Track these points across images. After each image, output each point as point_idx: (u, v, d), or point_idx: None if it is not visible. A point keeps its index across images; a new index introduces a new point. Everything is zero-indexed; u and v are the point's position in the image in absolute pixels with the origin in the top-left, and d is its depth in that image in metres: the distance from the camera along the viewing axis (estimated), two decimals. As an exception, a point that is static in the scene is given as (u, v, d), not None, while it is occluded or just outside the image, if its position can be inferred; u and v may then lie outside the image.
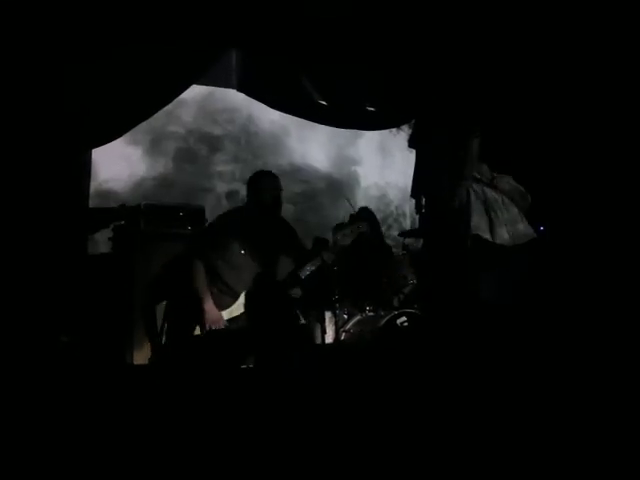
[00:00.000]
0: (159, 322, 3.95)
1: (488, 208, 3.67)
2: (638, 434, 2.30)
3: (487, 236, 3.61)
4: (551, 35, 4.33)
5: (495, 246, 3.62)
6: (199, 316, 3.73)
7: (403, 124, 6.06)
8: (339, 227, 4.29)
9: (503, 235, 3.62)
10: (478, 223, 3.65)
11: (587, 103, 4.35)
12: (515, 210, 3.72)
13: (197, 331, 3.77)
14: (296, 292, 3.93)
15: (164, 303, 3.99)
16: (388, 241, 5.98)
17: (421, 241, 4.99)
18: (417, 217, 5.49)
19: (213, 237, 3.94)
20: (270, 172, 4.14)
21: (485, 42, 4.50)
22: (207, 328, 3.72)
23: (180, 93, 4.64)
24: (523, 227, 3.70)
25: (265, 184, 4.04)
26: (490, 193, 3.71)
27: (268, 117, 6.35)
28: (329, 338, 4.61)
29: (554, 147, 4.42)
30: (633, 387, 2.68)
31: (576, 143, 4.39)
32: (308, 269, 3.90)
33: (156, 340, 3.90)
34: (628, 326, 3.49)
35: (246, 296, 3.82)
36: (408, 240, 5.42)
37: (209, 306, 3.73)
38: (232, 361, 3.67)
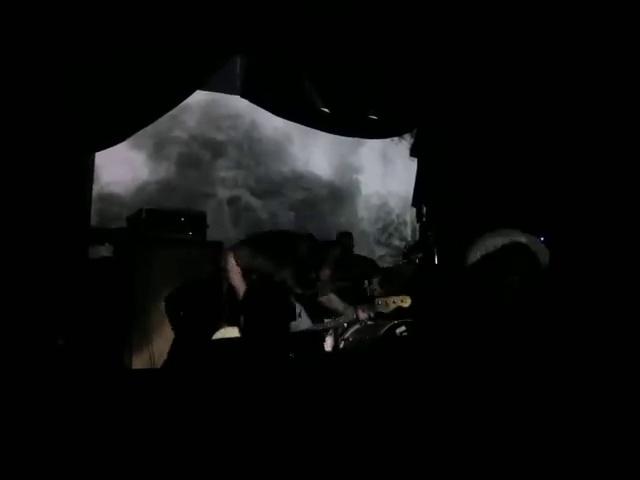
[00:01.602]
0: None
1: None
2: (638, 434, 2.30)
3: None
4: (553, 39, 4.33)
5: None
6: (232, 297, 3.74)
7: (405, 133, 6.08)
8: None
9: None
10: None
11: (588, 106, 4.35)
12: None
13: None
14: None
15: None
16: (389, 250, 5.99)
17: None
18: (418, 226, 5.52)
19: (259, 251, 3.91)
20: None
21: (486, 43, 4.50)
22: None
23: (184, 98, 4.65)
24: None
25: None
26: None
27: (271, 124, 6.37)
28: (328, 347, 4.60)
29: (555, 153, 4.42)
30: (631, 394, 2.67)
31: (577, 147, 4.39)
32: (342, 321, 4.08)
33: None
34: (628, 336, 3.49)
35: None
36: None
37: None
38: (236, 367, 3.67)
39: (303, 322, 3.92)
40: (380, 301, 4.12)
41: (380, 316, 4.20)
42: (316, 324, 3.97)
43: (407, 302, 4.14)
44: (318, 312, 4.17)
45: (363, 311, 4.07)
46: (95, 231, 4.82)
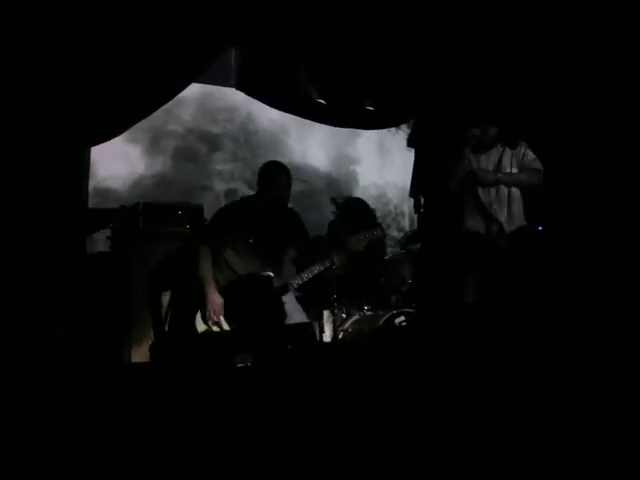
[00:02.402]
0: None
1: (484, 207, 3.70)
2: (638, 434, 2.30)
3: (482, 231, 3.67)
4: (550, 33, 4.33)
5: (488, 248, 3.66)
6: (201, 302, 3.78)
7: (402, 123, 6.07)
8: (344, 227, 4.40)
9: (495, 233, 3.68)
10: (474, 223, 3.71)
11: (587, 103, 4.34)
12: (513, 205, 3.74)
13: (199, 320, 3.82)
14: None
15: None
16: (387, 240, 5.96)
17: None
18: (416, 216, 5.51)
19: (221, 224, 3.97)
20: (284, 167, 4.10)
21: (484, 40, 4.50)
22: (208, 314, 3.77)
23: (179, 92, 4.64)
24: (521, 222, 3.75)
25: (278, 180, 4.01)
26: (487, 193, 3.73)
27: (267, 116, 6.35)
28: (327, 337, 4.60)
29: (553, 145, 4.41)
30: (628, 390, 2.67)
31: (576, 142, 4.39)
32: (317, 268, 3.96)
33: (160, 329, 3.94)
34: (625, 329, 3.49)
35: (235, 288, 3.84)
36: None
37: (211, 290, 3.79)
38: (228, 358, 3.68)
39: (296, 315, 3.92)
40: (354, 238, 4.01)
41: (355, 255, 4.11)
42: (295, 277, 3.94)
43: (379, 233, 4.10)
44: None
45: (338, 255, 3.98)
46: (94, 212, 4.80)
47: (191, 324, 3.80)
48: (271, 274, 3.93)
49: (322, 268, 3.97)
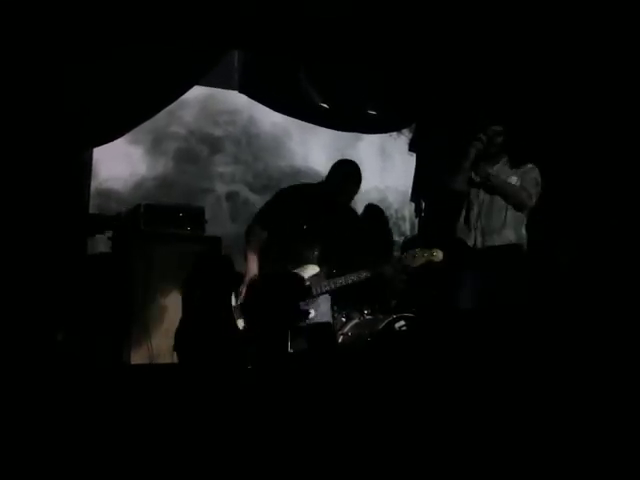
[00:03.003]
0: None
1: (477, 212, 3.67)
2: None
3: (470, 242, 3.65)
4: (551, 37, 4.33)
5: (476, 252, 3.64)
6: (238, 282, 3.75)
7: (404, 128, 6.07)
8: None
9: (480, 241, 3.64)
10: (461, 233, 3.69)
11: (587, 106, 4.35)
12: (505, 215, 3.69)
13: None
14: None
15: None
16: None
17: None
18: (416, 221, 5.52)
19: (279, 206, 3.90)
20: (358, 169, 4.03)
21: (485, 44, 4.50)
22: (241, 290, 3.72)
23: (181, 94, 4.65)
24: (512, 233, 3.69)
25: (353, 182, 3.97)
26: (481, 195, 3.70)
27: (269, 119, 6.36)
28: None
29: (553, 149, 4.41)
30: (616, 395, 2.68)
31: (575, 145, 4.39)
32: (364, 275, 3.79)
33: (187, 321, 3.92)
34: (620, 332, 3.49)
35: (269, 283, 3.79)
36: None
37: (253, 267, 3.75)
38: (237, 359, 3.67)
39: (322, 314, 3.89)
40: (407, 254, 3.81)
41: (406, 270, 3.91)
42: (333, 279, 3.79)
43: (439, 256, 3.78)
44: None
45: (390, 267, 3.83)
46: (94, 217, 4.82)
47: (215, 318, 3.77)
48: (315, 268, 3.83)
49: (369, 276, 3.80)
